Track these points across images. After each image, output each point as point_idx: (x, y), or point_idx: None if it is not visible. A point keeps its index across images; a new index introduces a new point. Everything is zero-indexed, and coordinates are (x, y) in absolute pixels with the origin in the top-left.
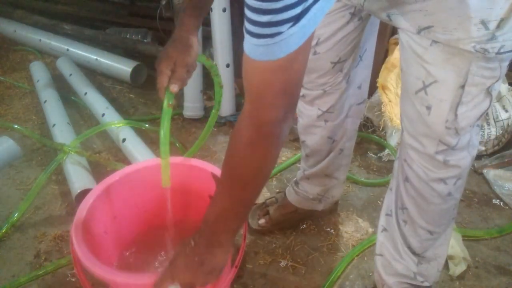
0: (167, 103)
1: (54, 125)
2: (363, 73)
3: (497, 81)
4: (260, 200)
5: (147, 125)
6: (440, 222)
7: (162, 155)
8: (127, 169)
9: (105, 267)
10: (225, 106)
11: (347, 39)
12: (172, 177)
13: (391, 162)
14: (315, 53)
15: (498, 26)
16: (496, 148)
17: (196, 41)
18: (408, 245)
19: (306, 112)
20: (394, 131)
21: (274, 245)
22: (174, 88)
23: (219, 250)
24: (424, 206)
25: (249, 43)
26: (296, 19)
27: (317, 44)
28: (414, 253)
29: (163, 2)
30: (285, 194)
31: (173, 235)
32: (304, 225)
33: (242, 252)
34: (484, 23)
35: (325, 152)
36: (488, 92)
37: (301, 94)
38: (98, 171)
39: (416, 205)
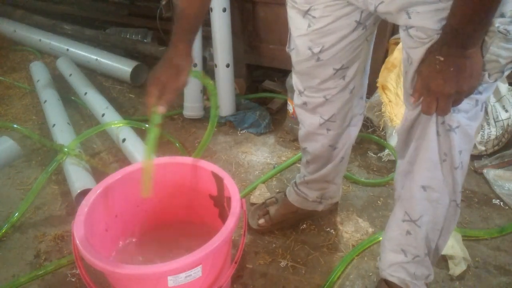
0: (153, 124)
1: (54, 125)
2: (365, 84)
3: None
4: (260, 200)
5: (147, 125)
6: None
7: (144, 167)
8: (127, 169)
9: (107, 259)
10: (225, 106)
11: (351, 47)
12: (175, 177)
13: (391, 162)
14: (318, 59)
15: None
16: (496, 148)
17: (187, 64)
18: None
19: (308, 120)
20: (394, 131)
21: (274, 245)
22: (162, 109)
23: (473, 51)
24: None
25: None
26: None
27: (320, 51)
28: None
29: (163, 2)
30: (285, 194)
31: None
32: (304, 225)
33: (242, 249)
34: (502, 15)
35: (325, 159)
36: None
37: (302, 102)
38: (98, 171)
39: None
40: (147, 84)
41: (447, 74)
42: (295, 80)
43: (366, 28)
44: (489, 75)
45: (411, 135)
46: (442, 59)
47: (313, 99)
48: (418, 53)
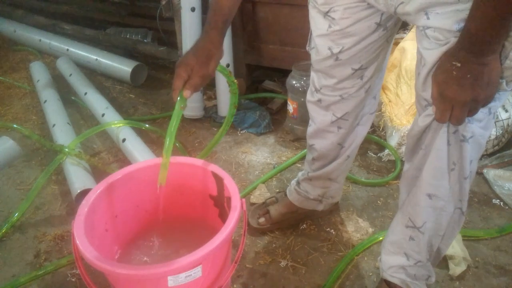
0: (178, 106)
1: (54, 125)
2: (380, 83)
3: None
4: (260, 200)
5: (147, 125)
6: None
7: (165, 153)
8: (128, 169)
9: (106, 259)
10: (225, 106)
11: (371, 48)
12: (175, 176)
13: (391, 162)
14: (337, 59)
15: None
16: (496, 148)
17: (217, 53)
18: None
19: (319, 117)
20: (394, 131)
21: (274, 245)
22: (187, 93)
23: (491, 58)
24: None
25: None
26: None
27: (340, 52)
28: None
29: (163, 2)
30: (285, 194)
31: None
32: (304, 225)
33: (242, 249)
34: None
35: (331, 157)
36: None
37: (317, 99)
38: (98, 171)
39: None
40: (176, 66)
41: (464, 81)
42: (312, 77)
43: (387, 30)
44: (507, 83)
45: (421, 142)
46: (459, 65)
47: (329, 97)
48: (432, 55)
